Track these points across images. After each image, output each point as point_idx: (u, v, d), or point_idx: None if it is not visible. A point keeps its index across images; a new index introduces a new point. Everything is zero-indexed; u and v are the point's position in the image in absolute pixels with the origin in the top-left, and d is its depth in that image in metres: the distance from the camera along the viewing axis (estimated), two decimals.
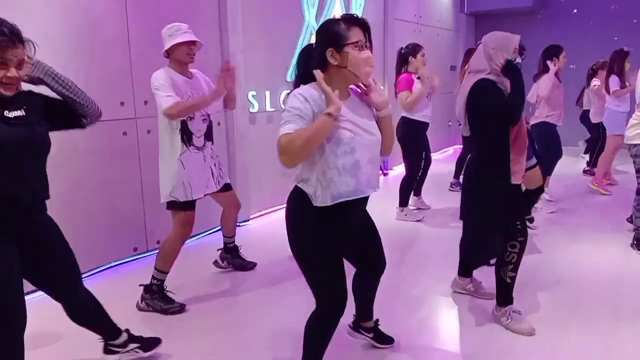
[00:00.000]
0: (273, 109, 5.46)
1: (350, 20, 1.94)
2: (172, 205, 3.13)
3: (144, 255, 4.13)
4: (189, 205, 3.14)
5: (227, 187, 3.46)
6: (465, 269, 3.34)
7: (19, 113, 1.92)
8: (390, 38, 7.41)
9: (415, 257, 4.19)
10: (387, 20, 7.41)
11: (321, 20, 5.92)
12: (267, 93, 5.39)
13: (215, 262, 3.84)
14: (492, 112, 2.66)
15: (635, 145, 4.00)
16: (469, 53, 5.63)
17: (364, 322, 2.65)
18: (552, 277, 3.63)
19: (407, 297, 3.37)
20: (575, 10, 9.51)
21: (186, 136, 3.08)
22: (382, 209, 4.66)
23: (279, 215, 5.39)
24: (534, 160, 3.66)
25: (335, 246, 2.04)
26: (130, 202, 4.02)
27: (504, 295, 2.91)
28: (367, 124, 2.01)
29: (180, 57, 3.08)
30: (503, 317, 2.90)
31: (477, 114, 2.74)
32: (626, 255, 4.06)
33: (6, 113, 1.87)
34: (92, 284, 2.74)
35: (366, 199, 2.10)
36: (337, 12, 6.18)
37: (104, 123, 3.12)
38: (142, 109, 4.03)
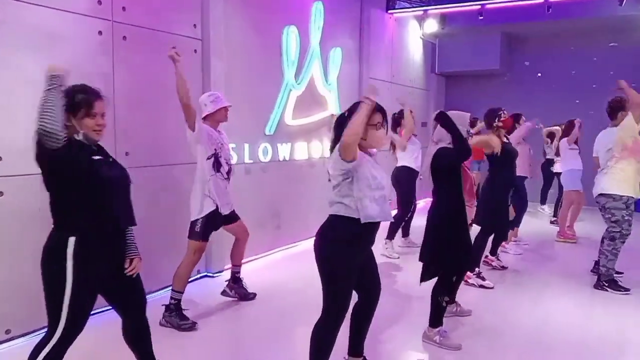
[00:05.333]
0: (251, 161, 5.62)
1: (375, 107, 2.64)
2: (193, 235, 3.87)
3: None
4: (205, 237, 3.91)
5: (237, 217, 4.19)
6: (435, 318, 3.51)
7: (110, 160, 2.44)
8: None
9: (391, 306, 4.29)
10: (362, 79, 7.76)
11: (300, 79, 6.21)
12: (246, 146, 5.56)
13: (224, 292, 4.38)
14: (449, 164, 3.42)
15: (623, 196, 4.47)
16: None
17: (355, 357, 2.99)
18: (520, 336, 3.76)
19: (380, 350, 3.46)
20: (539, 74, 10.09)
21: (217, 164, 3.90)
22: None
23: (253, 266, 5.46)
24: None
25: (356, 271, 2.66)
26: None
27: (438, 317, 3.49)
28: (384, 178, 2.76)
29: (221, 117, 4.02)
30: (436, 336, 3.47)
31: (438, 171, 3.47)
32: (590, 312, 4.25)
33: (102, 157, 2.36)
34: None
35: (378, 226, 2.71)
36: (315, 71, 6.49)
37: None
38: (123, 160, 4.10)
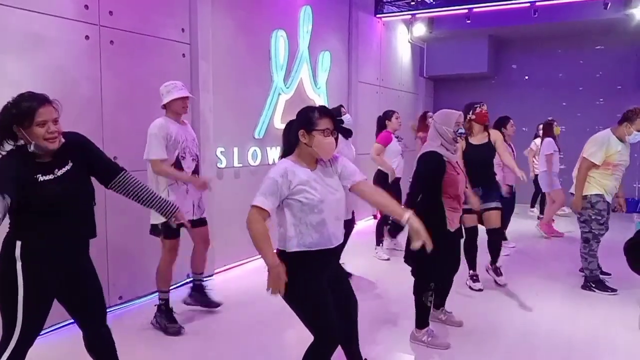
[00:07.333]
0: (240, 165, 5.61)
1: (323, 111, 2.42)
2: (160, 233, 3.67)
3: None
4: (174, 234, 3.67)
5: (202, 223, 3.94)
6: (421, 320, 3.50)
7: (67, 167, 2.26)
8: (354, 99, 7.78)
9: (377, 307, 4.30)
10: (350, 83, 7.80)
11: (289, 82, 6.22)
12: (235, 149, 5.55)
13: (184, 299, 4.17)
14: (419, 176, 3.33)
15: (586, 195, 4.50)
16: (422, 118, 6.58)
17: None
18: (508, 336, 3.79)
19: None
20: (526, 77, 10.19)
21: (179, 169, 3.67)
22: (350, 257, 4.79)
23: (243, 270, 5.45)
24: (493, 204, 4.62)
25: (321, 286, 2.38)
26: (94, 257, 4.01)
27: (424, 318, 3.45)
28: (333, 184, 2.43)
29: (177, 109, 3.72)
30: (424, 336, 3.45)
31: (421, 176, 3.35)
32: (577, 312, 4.28)
33: (56, 171, 2.22)
34: (53, 340, 2.72)
35: (336, 250, 2.45)
36: (304, 74, 6.50)
37: None
38: None
